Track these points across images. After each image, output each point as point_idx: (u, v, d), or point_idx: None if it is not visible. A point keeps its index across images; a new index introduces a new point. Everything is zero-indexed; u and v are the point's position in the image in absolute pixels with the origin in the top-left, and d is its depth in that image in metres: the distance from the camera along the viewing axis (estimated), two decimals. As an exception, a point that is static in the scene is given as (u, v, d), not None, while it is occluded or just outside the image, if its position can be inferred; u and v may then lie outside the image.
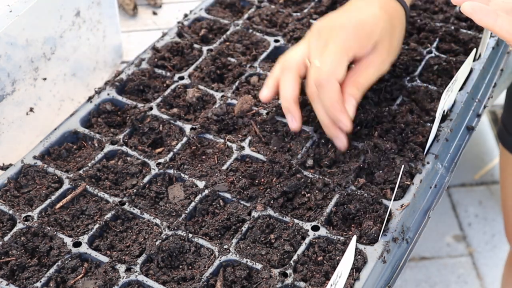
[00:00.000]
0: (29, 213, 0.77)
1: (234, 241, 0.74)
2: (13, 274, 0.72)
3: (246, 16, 1.06)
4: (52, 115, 0.96)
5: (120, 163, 0.84)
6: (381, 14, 0.85)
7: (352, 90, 0.83)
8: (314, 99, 0.83)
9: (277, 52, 0.99)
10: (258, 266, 0.72)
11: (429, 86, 0.92)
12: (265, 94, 0.86)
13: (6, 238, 0.75)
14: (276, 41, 1.00)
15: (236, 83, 0.94)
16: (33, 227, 0.76)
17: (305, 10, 1.06)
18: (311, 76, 0.82)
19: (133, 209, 0.78)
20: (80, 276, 0.72)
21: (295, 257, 0.72)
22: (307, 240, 0.74)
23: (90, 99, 0.92)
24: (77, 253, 0.73)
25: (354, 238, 0.64)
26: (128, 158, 0.84)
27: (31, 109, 0.92)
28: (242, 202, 0.78)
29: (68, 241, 0.74)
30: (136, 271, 0.71)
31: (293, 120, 0.84)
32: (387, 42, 0.85)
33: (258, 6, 1.08)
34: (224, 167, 0.82)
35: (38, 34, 0.89)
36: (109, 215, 0.77)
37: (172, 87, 0.93)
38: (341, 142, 0.83)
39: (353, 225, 0.77)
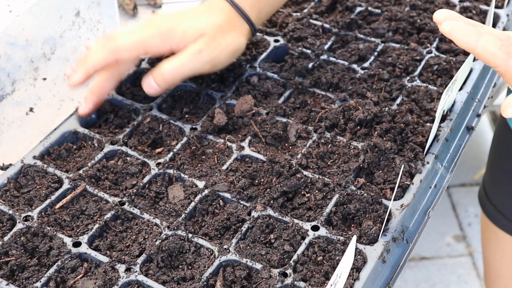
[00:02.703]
0: (29, 213, 0.77)
1: (234, 241, 0.74)
2: (13, 274, 0.72)
3: (246, 16, 1.06)
4: (52, 115, 0.96)
5: (120, 163, 0.84)
6: (201, 28, 0.86)
7: (154, 71, 0.86)
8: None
9: (277, 52, 0.99)
10: (258, 266, 0.72)
11: (429, 86, 0.93)
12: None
13: (6, 238, 0.75)
14: (276, 41, 1.00)
15: (236, 83, 0.94)
16: (33, 227, 0.76)
17: (305, 10, 1.06)
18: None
19: (133, 209, 0.78)
20: (80, 276, 0.72)
21: (295, 257, 0.72)
22: (307, 240, 0.74)
23: (90, 99, 0.92)
24: (77, 253, 0.73)
25: (354, 238, 0.64)
26: (128, 158, 0.84)
27: (31, 109, 0.92)
28: (242, 202, 0.78)
29: (68, 241, 0.74)
30: (136, 271, 0.71)
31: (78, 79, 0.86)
32: (211, 37, 0.86)
33: (258, 6, 1.08)
34: (224, 167, 0.82)
35: (38, 34, 0.89)
36: (109, 215, 0.77)
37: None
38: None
39: (353, 225, 0.77)
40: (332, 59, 0.97)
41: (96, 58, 0.85)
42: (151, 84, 0.87)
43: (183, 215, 0.77)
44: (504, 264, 1.18)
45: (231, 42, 0.88)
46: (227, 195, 0.79)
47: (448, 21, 0.65)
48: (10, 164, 0.83)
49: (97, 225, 0.76)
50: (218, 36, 0.86)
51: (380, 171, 0.81)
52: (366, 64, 0.96)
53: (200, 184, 0.80)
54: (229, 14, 0.88)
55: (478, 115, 0.92)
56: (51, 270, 0.72)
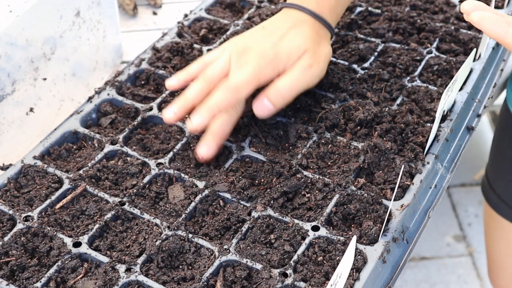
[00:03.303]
0: (29, 213, 0.77)
1: (234, 241, 0.74)
2: (13, 274, 0.72)
3: (246, 16, 1.06)
4: (52, 115, 0.96)
5: (120, 163, 0.84)
6: (303, 45, 0.85)
7: (268, 90, 0.83)
8: (203, 81, 0.83)
9: (277, 52, 0.99)
10: (258, 266, 0.72)
11: (429, 86, 0.93)
12: (172, 83, 0.86)
13: (6, 238, 0.75)
14: (276, 41, 1.00)
15: (236, 83, 0.94)
16: (33, 227, 0.76)
17: (305, 10, 1.06)
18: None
19: (133, 209, 0.78)
20: (80, 276, 0.72)
21: (295, 257, 0.72)
22: (307, 240, 0.74)
23: (90, 99, 0.92)
24: (77, 253, 0.73)
25: (354, 238, 0.64)
26: (128, 158, 0.84)
27: (31, 109, 0.92)
28: (242, 202, 0.78)
29: (68, 241, 0.74)
30: (136, 271, 0.71)
31: (175, 114, 0.83)
32: (313, 50, 0.85)
33: (258, 6, 1.08)
34: (224, 167, 0.82)
35: (38, 34, 0.89)
36: (109, 215, 0.77)
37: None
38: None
39: (353, 225, 0.77)
40: (332, 59, 0.97)
41: (221, 100, 0.81)
42: (266, 105, 0.82)
43: (183, 215, 0.77)
44: (509, 255, 1.17)
45: (327, 52, 0.88)
46: (227, 195, 0.79)
47: (477, 11, 0.66)
48: (10, 164, 0.83)
49: (97, 225, 0.76)
50: (317, 48, 0.86)
51: (380, 171, 0.81)
52: (366, 64, 0.96)
53: (200, 184, 0.80)
54: (314, 25, 0.88)
55: (478, 115, 0.92)
56: (51, 270, 0.72)
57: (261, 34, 0.87)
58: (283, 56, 0.84)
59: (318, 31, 0.88)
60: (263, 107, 0.83)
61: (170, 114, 0.83)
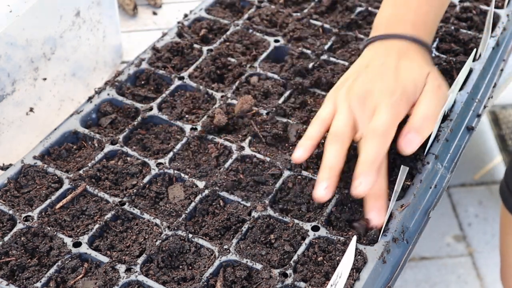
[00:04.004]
0: (29, 213, 0.77)
1: (234, 241, 0.74)
2: (13, 274, 0.72)
3: (246, 16, 1.06)
4: (52, 115, 0.96)
5: (120, 163, 0.84)
6: (423, 70, 0.80)
7: (411, 122, 0.76)
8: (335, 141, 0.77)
9: (277, 52, 0.99)
10: (258, 266, 0.72)
11: (429, 86, 0.92)
12: (299, 155, 0.79)
13: (6, 238, 0.75)
14: (276, 41, 1.00)
15: (236, 83, 0.94)
16: (33, 227, 0.76)
17: (305, 10, 1.06)
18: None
19: (133, 209, 0.78)
20: (80, 276, 0.72)
21: (295, 257, 0.72)
22: (307, 241, 0.74)
23: (90, 99, 0.92)
24: (77, 253, 0.73)
25: (354, 238, 0.64)
26: (128, 158, 0.84)
27: (31, 109, 0.92)
28: (242, 202, 0.78)
29: (68, 241, 0.74)
30: (136, 271, 0.71)
31: (327, 189, 0.75)
32: (434, 71, 0.81)
33: (258, 6, 1.08)
34: (224, 167, 0.82)
35: (38, 34, 0.89)
36: (109, 215, 0.77)
37: (172, 87, 0.93)
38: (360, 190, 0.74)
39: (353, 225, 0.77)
40: (332, 59, 0.97)
41: (378, 151, 0.74)
42: (414, 139, 0.76)
43: (183, 215, 0.77)
44: None
45: (441, 76, 0.82)
46: (227, 195, 0.79)
47: None
48: (10, 164, 0.83)
49: (97, 225, 0.76)
50: (434, 69, 0.82)
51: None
52: (366, 64, 0.96)
53: (200, 184, 0.80)
54: (417, 49, 0.83)
55: (478, 116, 0.92)
56: (51, 270, 0.72)
57: (370, 74, 0.81)
58: (410, 88, 0.78)
59: (423, 54, 0.83)
60: (411, 142, 0.76)
61: (322, 192, 0.75)
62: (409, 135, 0.76)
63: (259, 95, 0.92)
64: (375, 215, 0.75)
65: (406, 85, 0.78)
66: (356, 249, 0.72)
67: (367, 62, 0.83)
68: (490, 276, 1.87)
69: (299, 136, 0.86)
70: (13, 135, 0.90)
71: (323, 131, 0.80)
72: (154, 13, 1.22)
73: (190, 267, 0.73)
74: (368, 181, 0.73)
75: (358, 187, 0.73)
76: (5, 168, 0.83)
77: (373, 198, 0.75)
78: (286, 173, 0.81)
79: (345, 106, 0.79)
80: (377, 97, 0.77)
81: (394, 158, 0.82)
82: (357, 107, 0.78)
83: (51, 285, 0.71)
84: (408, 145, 0.76)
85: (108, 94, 0.92)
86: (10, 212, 0.77)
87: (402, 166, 0.73)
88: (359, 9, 1.06)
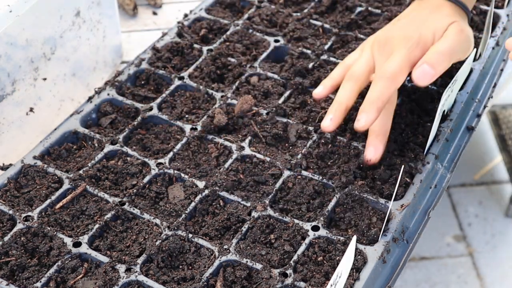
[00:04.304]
0: (29, 213, 0.77)
1: (234, 241, 0.74)
2: (13, 274, 0.72)
3: (246, 16, 1.06)
4: (52, 115, 0.96)
5: (120, 163, 0.84)
6: (446, 21, 0.82)
7: (427, 55, 0.79)
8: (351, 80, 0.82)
9: (277, 52, 0.99)
10: (258, 266, 0.72)
11: (429, 86, 0.92)
12: (319, 91, 0.86)
13: (6, 238, 0.75)
14: (276, 41, 1.00)
15: (236, 83, 0.94)
16: (33, 227, 0.76)
17: (305, 10, 1.06)
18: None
19: (133, 209, 0.78)
20: (80, 276, 0.72)
21: (295, 257, 0.72)
22: (307, 240, 0.74)
23: (90, 99, 0.92)
24: (77, 253, 0.73)
25: (354, 238, 0.64)
26: (128, 158, 0.84)
27: (31, 109, 0.92)
28: (242, 202, 0.78)
29: (68, 241, 0.74)
30: (136, 271, 0.71)
31: (331, 121, 0.80)
32: (460, 21, 0.83)
33: (258, 6, 1.08)
34: (224, 167, 0.82)
35: (38, 34, 0.89)
36: (109, 215, 0.77)
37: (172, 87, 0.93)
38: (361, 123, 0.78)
39: (353, 225, 0.77)
40: (332, 59, 0.97)
41: (382, 92, 0.78)
42: (427, 71, 0.77)
43: (183, 215, 0.77)
44: None
45: (470, 29, 0.85)
46: (227, 195, 0.79)
47: None
48: (10, 164, 0.83)
49: (97, 225, 0.76)
50: (462, 22, 0.84)
51: (381, 171, 0.81)
52: (366, 64, 0.96)
53: (200, 184, 0.80)
54: (451, 7, 0.85)
55: (478, 115, 0.92)
56: (51, 270, 0.72)
57: (398, 24, 0.85)
58: (429, 35, 0.81)
59: (456, 13, 0.85)
60: (424, 74, 0.78)
61: (327, 122, 0.80)
62: (422, 66, 0.78)
63: (259, 95, 0.92)
64: (372, 150, 0.81)
65: (424, 33, 0.81)
66: (356, 249, 0.72)
67: (402, 16, 0.87)
68: (490, 276, 1.87)
69: (299, 136, 0.87)
70: (13, 135, 0.90)
71: (345, 73, 0.85)
72: (154, 13, 1.22)
73: (190, 267, 0.73)
74: (368, 118, 0.77)
75: (358, 122, 0.78)
76: (5, 168, 0.83)
77: (374, 135, 0.81)
78: (286, 173, 0.81)
79: (368, 52, 0.84)
80: (395, 43, 0.81)
81: (394, 158, 0.82)
82: (377, 52, 0.83)
83: (51, 285, 0.71)
84: (421, 77, 0.78)
85: (108, 94, 0.92)
86: (10, 212, 0.77)
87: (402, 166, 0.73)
88: (359, 9, 1.06)
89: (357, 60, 0.85)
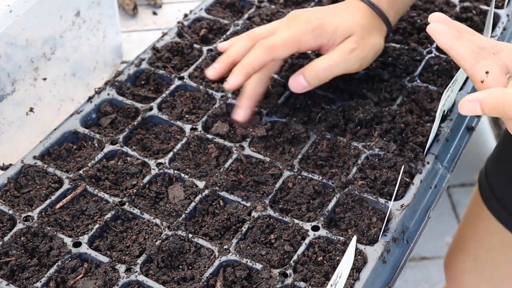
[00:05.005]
0: (29, 213, 0.77)
1: (234, 241, 0.74)
2: (13, 274, 0.72)
3: (246, 16, 1.06)
4: (52, 115, 0.96)
5: (120, 163, 0.84)
6: (350, 29, 0.85)
7: (305, 68, 0.84)
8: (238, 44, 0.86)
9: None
10: (258, 266, 0.72)
11: (429, 86, 0.93)
12: (222, 47, 0.89)
13: (6, 238, 0.75)
14: (276, 41, 1.00)
15: (236, 83, 0.94)
16: (33, 227, 0.76)
17: (305, 10, 1.06)
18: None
19: (133, 209, 0.78)
20: (80, 276, 0.72)
21: (295, 257, 0.72)
22: (307, 240, 0.74)
23: (90, 99, 0.92)
24: (77, 253, 0.73)
25: (354, 238, 0.64)
26: (128, 158, 0.84)
27: (31, 109, 0.92)
28: (242, 202, 0.78)
29: (68, 241, 0.74)
30: (136, 271, 0.71)
31: (215, 70, 0.85)
32: (360, 36, 0.85)
33: (258, 6, 1.08)
34: (224, 167, 0.82)
35: (38, 34, 0.89)
36: (109, 215, 0.77)
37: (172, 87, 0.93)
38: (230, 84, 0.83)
39: (353, 225, 0.77)
40: (332, 59, 0.97)
41: (255, 59, 0.82)
42: (300, 82, 0.84)
43: (183, 215, 0.77)
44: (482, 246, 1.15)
45: (375, 43, 0.87)
46: (227, 195, 0.79)
47: (435, 23, 0.68)
48: (10, 164, 0.83)
49: (97, 225, 0.76)
50: (365, 36, 0.85)
51: (380, 172, 0.81)
52: (366, 64, 0.96)
53: (200, 184, 0.80)
54: (368, 13, 0.87)
55: (478, 116, 0.92)
56: (51, 270, 0.72)
57: (316, 8, 0.89)
58: (328, 28, 0.84)
59: (372, 20, 0.87)
60: (298, 83, 0.84)
61: (211, 70, 0.85)
62: (298, 76, 0.84)
63: (259, 95, 0.92)
64: (239, 111, 0.86)
65: (326, 23, 0.84)
66: (356, 249, 0.72)
67: (325, 4, 0.92)
68: (490, 276, 1.86)
69: (299, 137, 0.87)
70: (13, 135, 0.90)
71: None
72: (154, 13, 1.22)
73: (190, 267, 0.73)
74: (234, 80, 0.83)
75: (226, 83, 0.83)
76: (5, 168, 0.83)
77: (244, 97, 0.86)
78: (286, 173, 0.81)
79: (276, 22, 0.88)
80: (298, 21, 0.85)
81: (394, 158, 0.82)
82: (282, 25, 0.86)
83: (51, 285, 0.71)
84: (293, 83, 0.84)
85: (108, 94, 0.92)
86: (10, 212, 0.77)
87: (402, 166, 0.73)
88: (359, 9, 1.06)
89: (265, 26, 0.89)
